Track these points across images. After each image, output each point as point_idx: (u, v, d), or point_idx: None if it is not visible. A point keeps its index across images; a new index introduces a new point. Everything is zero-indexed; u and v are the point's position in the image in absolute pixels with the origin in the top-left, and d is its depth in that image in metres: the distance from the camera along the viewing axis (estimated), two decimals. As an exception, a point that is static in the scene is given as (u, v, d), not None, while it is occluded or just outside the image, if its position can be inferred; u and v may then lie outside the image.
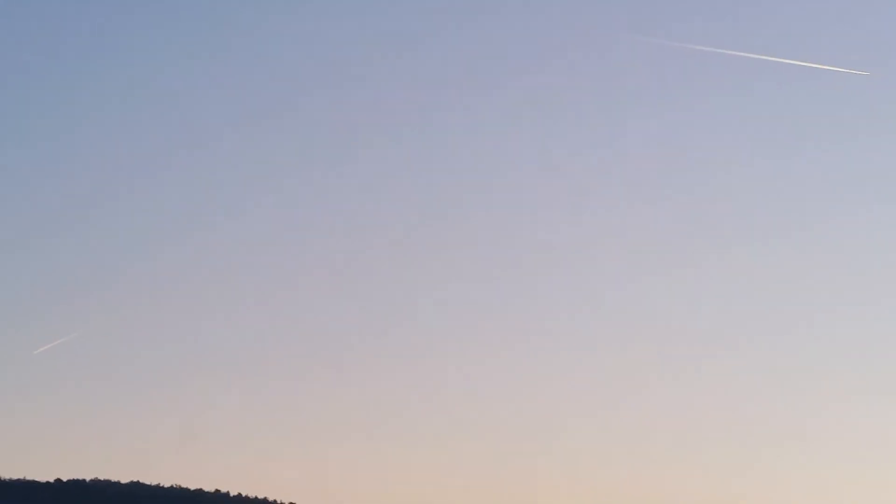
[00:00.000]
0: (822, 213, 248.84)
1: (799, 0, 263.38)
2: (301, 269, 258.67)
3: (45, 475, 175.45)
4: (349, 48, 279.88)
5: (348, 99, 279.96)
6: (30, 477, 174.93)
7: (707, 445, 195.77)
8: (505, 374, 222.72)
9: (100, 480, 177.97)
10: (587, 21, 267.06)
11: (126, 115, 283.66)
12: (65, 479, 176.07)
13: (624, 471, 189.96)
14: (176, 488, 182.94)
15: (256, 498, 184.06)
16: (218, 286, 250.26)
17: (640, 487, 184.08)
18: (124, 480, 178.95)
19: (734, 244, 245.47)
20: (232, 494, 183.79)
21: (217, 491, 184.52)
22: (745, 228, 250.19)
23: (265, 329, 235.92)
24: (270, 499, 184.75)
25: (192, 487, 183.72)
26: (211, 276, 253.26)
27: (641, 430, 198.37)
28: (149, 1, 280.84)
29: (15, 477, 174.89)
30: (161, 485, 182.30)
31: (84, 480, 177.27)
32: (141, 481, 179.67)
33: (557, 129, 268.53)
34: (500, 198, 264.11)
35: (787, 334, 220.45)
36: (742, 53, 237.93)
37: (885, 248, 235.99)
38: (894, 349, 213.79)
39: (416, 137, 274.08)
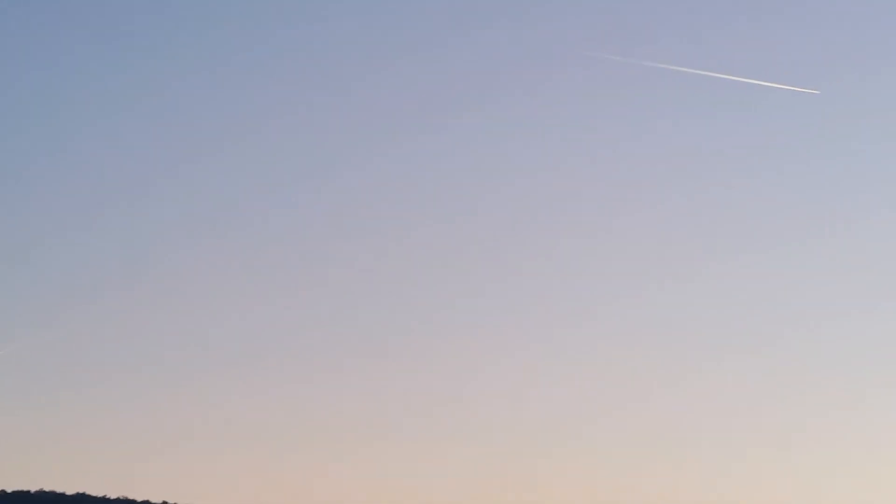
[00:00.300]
0: (770, 229, 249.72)
1: (749, 18, 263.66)
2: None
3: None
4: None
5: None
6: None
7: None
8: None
9: (45, 492, 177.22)
10: (545, 37, 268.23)
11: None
12: (9, 491, 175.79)
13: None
14: (122, 500, 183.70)
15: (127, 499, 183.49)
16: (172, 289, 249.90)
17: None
18: (70, 492, 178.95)
19: (685, 257, 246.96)
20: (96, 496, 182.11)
21: (164, 502, 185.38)
22: (695, 244, 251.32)
23: (215, 336, 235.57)
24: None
25: (140, 499, 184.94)
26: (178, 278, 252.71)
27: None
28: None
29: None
30: (107, 496, 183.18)
31: (29, 492, 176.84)
32: (87, 493, 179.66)
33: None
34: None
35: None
36: (691, 70, 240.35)
37: (831, 264, 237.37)
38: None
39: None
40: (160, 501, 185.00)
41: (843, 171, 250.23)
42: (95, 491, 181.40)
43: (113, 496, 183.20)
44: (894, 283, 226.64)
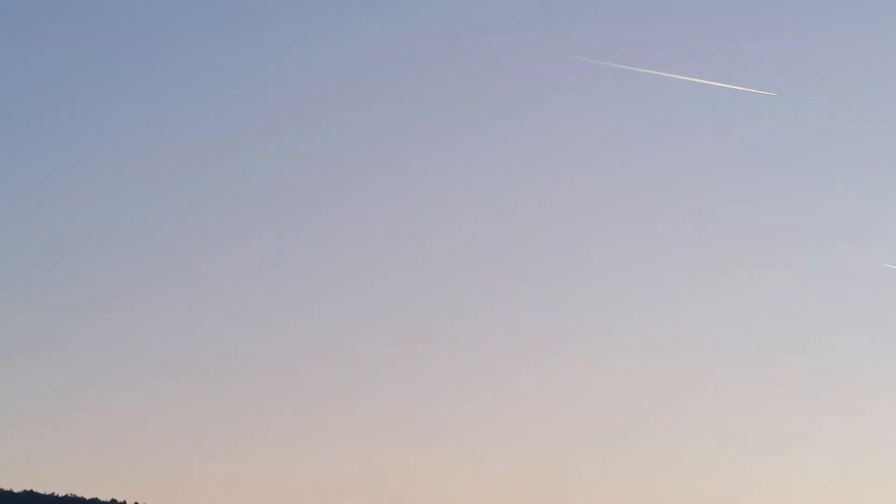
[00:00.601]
0: (731, 229, 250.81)
1: (706, 18, 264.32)
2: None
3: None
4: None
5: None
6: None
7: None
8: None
9: (34, 493, 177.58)
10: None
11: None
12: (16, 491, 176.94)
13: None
14: (71, 497, 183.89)
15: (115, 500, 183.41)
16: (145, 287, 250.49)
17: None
18: (17, 489, 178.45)
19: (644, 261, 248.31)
20: (88, 498, 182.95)
21: (113, 500, 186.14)
22: (643, 245, 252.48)
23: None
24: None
25: (88, 496, 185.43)
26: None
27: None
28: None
29: None
30: (56, 494, 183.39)
31: (12, 491, 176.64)
32: (35, 490, 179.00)
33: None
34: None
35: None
36: (647, 70, 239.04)
37: (784, 263, 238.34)
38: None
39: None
40: (108, 499, 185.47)
41: (805, 173, 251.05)
42: (42, 489, 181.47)
43: (61, 493, 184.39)
44: (864, 287, 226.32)
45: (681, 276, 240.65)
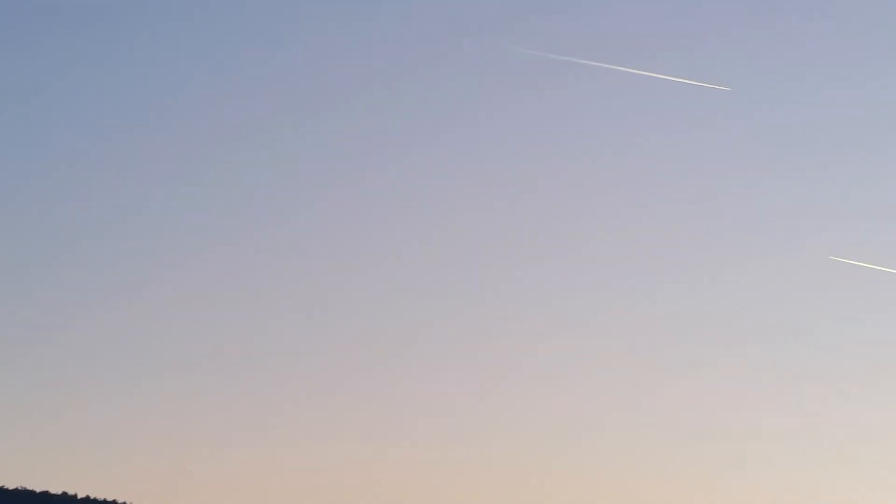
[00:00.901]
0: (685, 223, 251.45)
1: (661, 12, 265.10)
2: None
3: None
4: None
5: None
6: None
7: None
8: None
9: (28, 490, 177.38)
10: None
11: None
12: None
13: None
14: (21, 490, 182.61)
15: (105, 500, 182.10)
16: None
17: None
18: (10, 486, 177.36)
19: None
20: (80, 497, 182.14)
21: (64, 493, 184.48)
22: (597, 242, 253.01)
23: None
24: (120, 500, 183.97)
25: (38, 489, 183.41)
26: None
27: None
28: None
29: None
30: (5, 487, 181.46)
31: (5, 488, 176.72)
32: (27, 487, 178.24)
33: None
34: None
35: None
36: (602, 64, 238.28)
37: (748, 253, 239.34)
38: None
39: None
40: (59, 492, 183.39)
41: (758, 168, 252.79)
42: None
43: (10, 487, 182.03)
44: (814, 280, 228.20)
45: (632, 272, 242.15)
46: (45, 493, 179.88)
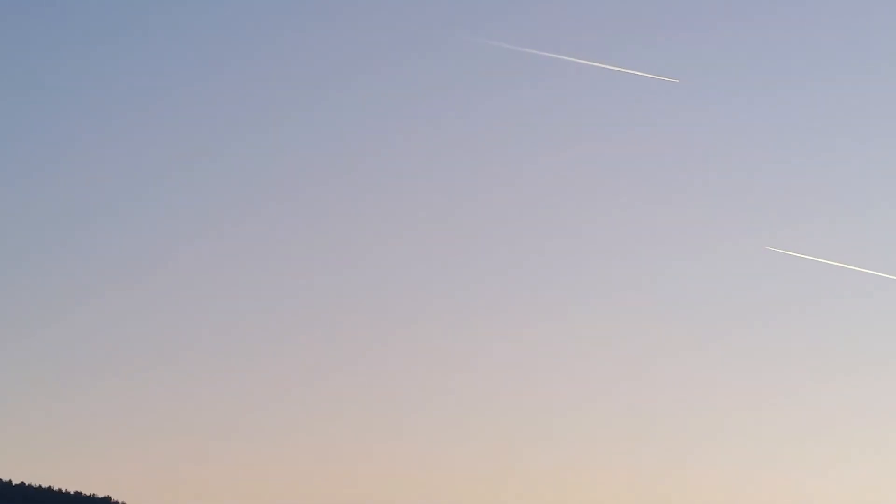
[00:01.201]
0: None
1: (609, 4, 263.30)
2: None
3: None
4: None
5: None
6: None
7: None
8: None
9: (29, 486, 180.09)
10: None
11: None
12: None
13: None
14: (18, 486, 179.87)
15: (95, 496, 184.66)
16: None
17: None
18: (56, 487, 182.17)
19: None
20: (71, 493, 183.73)
21: (60, 490, 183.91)
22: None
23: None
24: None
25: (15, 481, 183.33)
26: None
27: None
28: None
29: None
30: (43, 485, 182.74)
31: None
32: (25, 482, 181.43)
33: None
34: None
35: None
36: (547, 54, 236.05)
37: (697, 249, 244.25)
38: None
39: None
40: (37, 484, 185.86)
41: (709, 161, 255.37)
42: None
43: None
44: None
45: (573, 268, 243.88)
46: (40, 488, 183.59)
